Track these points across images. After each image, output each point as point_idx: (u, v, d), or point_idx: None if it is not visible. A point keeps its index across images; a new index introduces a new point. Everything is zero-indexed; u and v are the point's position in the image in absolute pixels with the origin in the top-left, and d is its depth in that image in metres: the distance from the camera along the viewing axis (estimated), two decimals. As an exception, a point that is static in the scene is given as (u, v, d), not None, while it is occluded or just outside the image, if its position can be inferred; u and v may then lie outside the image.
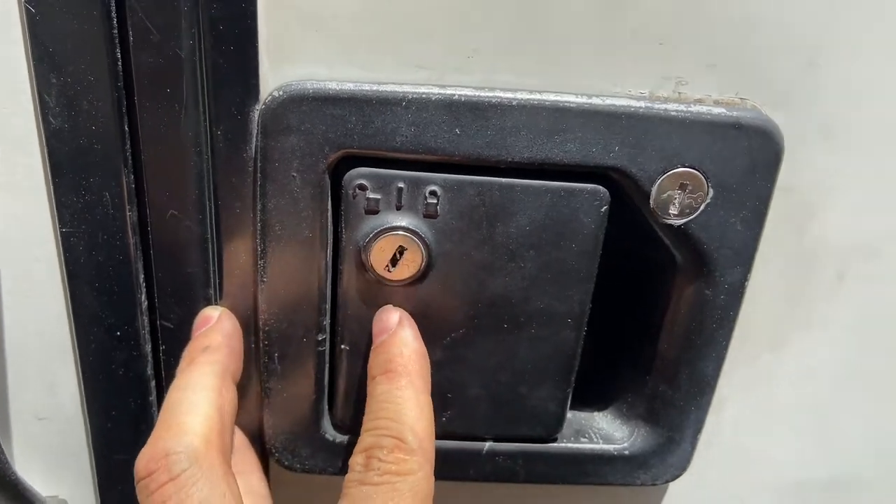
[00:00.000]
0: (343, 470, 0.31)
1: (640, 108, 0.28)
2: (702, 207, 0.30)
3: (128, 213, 0.30)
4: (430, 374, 0.30)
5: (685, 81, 0.29)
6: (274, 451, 0.35)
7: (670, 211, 0.30)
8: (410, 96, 0.28)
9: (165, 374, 0.34)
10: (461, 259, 0.30)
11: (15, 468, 0.35)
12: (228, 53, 0.27)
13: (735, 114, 0.29)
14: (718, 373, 0.34)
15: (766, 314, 0.34)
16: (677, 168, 0.29)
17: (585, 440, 0.36)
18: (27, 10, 0.26)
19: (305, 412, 0.34)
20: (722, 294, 0.32)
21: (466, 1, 0.27)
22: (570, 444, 0.36)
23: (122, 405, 0.34)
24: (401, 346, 0.29)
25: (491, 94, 0.28)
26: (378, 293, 0.31)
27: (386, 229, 0.29)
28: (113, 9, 0.27)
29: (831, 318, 0.35)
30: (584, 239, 0.31)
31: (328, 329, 0.33)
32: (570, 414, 0.36)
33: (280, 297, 0.31)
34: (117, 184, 0.29)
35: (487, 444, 0.35)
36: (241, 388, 0.34)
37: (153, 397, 0.34)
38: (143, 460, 0.26)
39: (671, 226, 0.30)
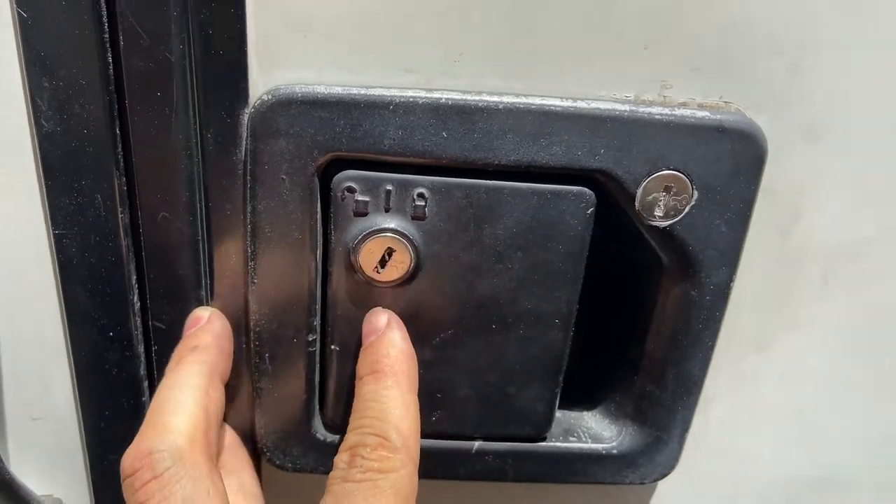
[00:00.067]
0: (334, 469, 0.31)
1: (625, 111, 0.29)
2: (686, 209, 0.30)
3: (120, 215, 0.30)
4: (417, 375, 0.30)
5: (669, 85, 0.29)
6: (265, 450, 0.35)
7: (655, 213, 0.30)
8: (398, 100, 0.28)
9: (158, 375, 0.34)
10: (449, 260, 0.31)
11: (10, 468, 0.35)
12: (218, 58, 0.28)
13: (719, 117, 0.29)
14: (705, 373, 0.34)
15: (753, 315, 0.35)
16: (662, 171, 0.29)
17: (574, 439, 0.37)
18: (19, 14, 0.27)
19: (296, 412, 0.34)
20: (708, 295, 0.32)
21: (453, 6, 0.28)
22: (559, 444, 0.36)
23: (115, 405, 0.35)
24: (388, 347, 0.30)
25: (477, 97, 0.28)
26: (367, 294, 0.31)
27: (375, 231, 0.30)
28: (104, 14, 0.27)
29: (817, 318, 0.35)
30: (570, 240, 0.31)
31: (318, 330, 0.33)
32: (559, 413, 0.37)
33: (270, 298, 0.32)
34: (109, 186, 0.30)
35: (477, 444, 0.36)
36: (233, 387, 0.34)
37: (146, 397, 0.35)
38: (129, 459, 0.26)
39: (657, 227, 0.30)
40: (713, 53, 0.29)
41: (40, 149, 0.29)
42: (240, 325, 0.33)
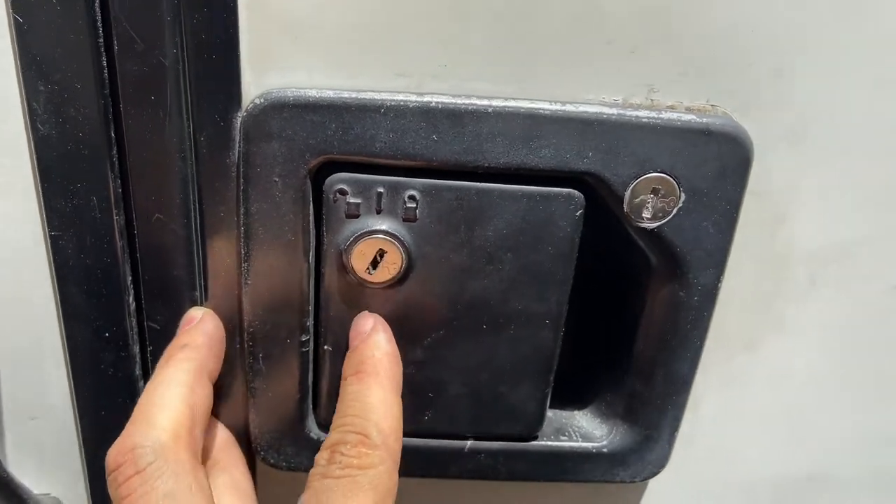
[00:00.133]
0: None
1: (613, 114, 0.29)
2: (674, 211, 0.30)
3: (115, 217, 0.31)
4: (401, 377, 0.31)
5: (657, 89, 0.30)
6: (260, 449, 0.35)
7: (643, 215, 0.30)
8: (389, 103, 0.28)
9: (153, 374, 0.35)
10: (440, 262, 0.31)
11: (8, 467, 0.36)
12: (211, 62, 0.28)
13: (705, 120, 0.29)
14: (694, 372, 0.35)
15: (741, 315, 0.35)
16: (650, 173, 0.30)
17: (565, 438, 0.37)
18: (15, 20, 0.27)
19: (290, 411, 0.35)
20: (696, 295, 0.32)
21: (444, 11, 0.28)
22: (550, 443, 0.36)
23: (111, 404, 0.35)
24: (373, 348, 0.30)
25: (467, 101, 0.29)
26: (359, 295, 0.32)
27: (366, 233, 0.30)
28: (98, 19, 0.27)
29: (804, 319, 0.36)
30: (560, 242, 0.31)
31: (311, 330, 0.33)
32: (550, 413, 0.37)
33: (264, 299, 0.32)
34: (104, 188, 0.30)
35: (469, 443, 0.36)
36: (227, 387, 0.35)
37: (141, 397, 0.35)
38: (113, 454, 0.27)
39: (645, 229, 0.31)
40: (700, 58, 0.29)
41: (36, 152, 0.29)
42: (234, 326, 0.33)
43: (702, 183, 0.30)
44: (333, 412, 0.34)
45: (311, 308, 0.33)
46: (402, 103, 0.29)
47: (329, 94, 0.28)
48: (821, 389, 0.38)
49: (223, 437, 0.34)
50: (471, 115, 0.29)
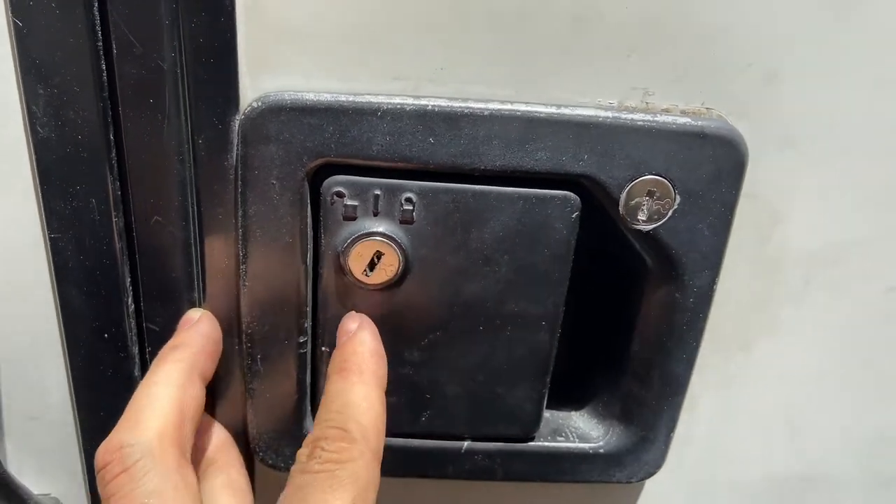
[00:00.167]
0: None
1: (609, 117, 0.29)
2: (669, 213, 0.31)
3: (114, 219, 0.31)
4: (385, 374, 0.31)
5: (652, 92, 0.30)
6: (258, 450, 0.36)
7: (639, 217, 0.31)
8: (385, 107, 0.29)
9: (152, 375, 0.35)
10: (437, 263, 0.31)
11: (8, 467, 0.36)
12: (208, 65, 0.28)
13: (700, 123, 0.30)
14: (690, 373, 0.35)
15: (736, 316, 0.35)
16: (645, 176, 0.30)
17: (562, 439, 0.37)
18: (15, 24, 0.27)
19: (288, 412, 0.35)
20: (691, 297, 0.33)
21: (440, 15, 0.28)
22: (547, 443, 0.37)
23: (110, 405, 0.35)
24: (357, 346, 0.30)
25: (463, 104, 0.29)
26: (356, 297, 0.32)
27: (363, 235, 0.30)
28: (97, 23, 0.27)
29: (799, 320, 0.36)
30: (556, 244, 0.31)
31: (309, 332, 0.33)
32: (547, 413, 0.37)
33: (262, 301, 0.32)
34: (103, 190, 0.30)
35: (466, 443, 0.36)
36: (225, 388, 0.35)
37: (140, 397, 0.35)
38: (101, 452, 0.27)
39: (640, 231, 0.31)
40: (695, 62, 0.29)
41: (36, 154, 0.29)
42: (232, 327, 0.33)
43: (697, 185, 0.30)
44: (331, 413, 0.35)
45: (308, 309, 0.33)
46: (398, 106, 0.29)
47: (326, 97, 0.29)
48: (816, 390, 0.38)
49: (221, 437, 0.34)
50: (467, 118, 0.29)
